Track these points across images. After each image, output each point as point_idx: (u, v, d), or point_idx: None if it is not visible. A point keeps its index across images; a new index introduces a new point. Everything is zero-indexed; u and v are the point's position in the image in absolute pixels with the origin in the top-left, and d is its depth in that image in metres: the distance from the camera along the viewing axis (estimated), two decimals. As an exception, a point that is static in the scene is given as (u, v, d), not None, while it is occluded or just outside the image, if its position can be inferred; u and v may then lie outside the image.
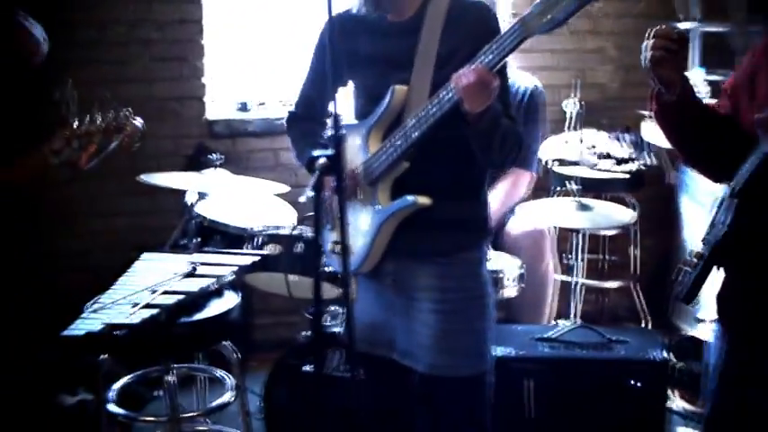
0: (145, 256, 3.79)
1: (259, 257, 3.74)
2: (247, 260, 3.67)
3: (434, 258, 2.88)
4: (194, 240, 4.41)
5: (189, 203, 4.46)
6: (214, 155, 4.53)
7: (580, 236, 4.43)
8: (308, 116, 3.15)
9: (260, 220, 4.33)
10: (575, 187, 4.28)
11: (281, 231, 4.13)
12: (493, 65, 2.52)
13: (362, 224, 2.93)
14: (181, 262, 3.62)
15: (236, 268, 3.58)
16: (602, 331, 3.95)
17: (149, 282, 3.41)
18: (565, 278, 4.85)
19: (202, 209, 4.46)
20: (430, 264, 2.89)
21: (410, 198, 2.79)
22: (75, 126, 2.82)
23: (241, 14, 5.52)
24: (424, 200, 2.79)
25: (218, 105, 5.52)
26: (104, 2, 5.20)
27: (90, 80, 5.15)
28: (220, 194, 4.55)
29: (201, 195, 4.47)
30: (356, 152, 2.93)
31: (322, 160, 2.42)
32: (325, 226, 3.06)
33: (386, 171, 2.83)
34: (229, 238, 4.62)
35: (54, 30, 4.95)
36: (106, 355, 3.51)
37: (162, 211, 5.16)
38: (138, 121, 2.87)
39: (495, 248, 4.27)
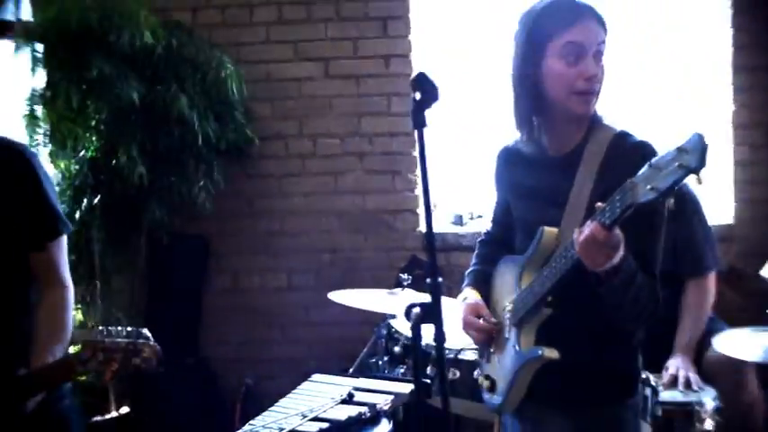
0: (315, 377, 3.79)
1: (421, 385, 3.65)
2: (406, 388, 3.60)
3: (569, 412, 2.70)
4: (382, 359, 4.39)
5: (383, 320, 4.47)
6: (403, 275, 4.50)
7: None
8: (500, 239, 3.07)
9: (452, 342, 4.24)
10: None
11: (461, 355, 4.03)
12: (609, 223, 2.34)
13: (506, 364, 2.81)
14: (344, 386, 3.59)
15: (392, 397, 3.51)
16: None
17: (307, 406, 3.40)
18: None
19: (398, 326, 4.44)
20: (564, 417, 2.71)
21: (539, 351, 2.65)
22: (99, 338, 2.82)
23: (456, 126, 5.50)
24: (551, 353, 2.62)
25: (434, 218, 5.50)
26: (316, 115, 5.36)
27: (298, 192, 5.36)
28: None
29: (391, 316, 4.46)
30: (509, 288, 2.82)
31: (416, 310, 2.34)
32: (483, 357, 2.98)
33: (528, 315, 2.71)
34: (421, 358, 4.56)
35: (269, 142, 5.28)
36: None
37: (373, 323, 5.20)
38: (155, 345, 2.84)
39: (700, 374, 4.00)
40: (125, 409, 4.93)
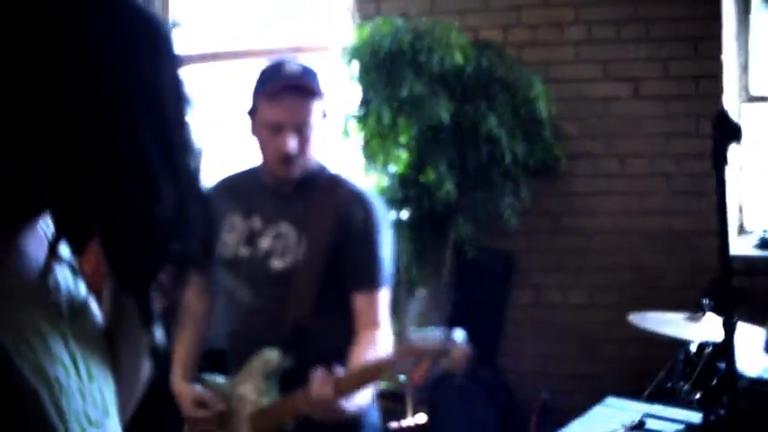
0: (608, 400, 3.80)
1: (715, 417, 3.58)
2: (696, 419, 3.54)
3: None
4: (679, 385, 4.32)
5: (682, 344, 4.40)
6: (704, 300, 4.40)
7: None
8: None
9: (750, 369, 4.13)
10: None
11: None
12: None
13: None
14: (637, 412, 3.58)
15: (681, 427, 3.47)
16: None
17: (597, 430, 3.43)
18: None
19: (696, 352, 4.36)
20: None
21: None
22: (411, 342, 2.83)
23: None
24: None
25: (739, 241, 5.37)
26: (624, 135, 5.37)
27: (603, 211, 5.37)
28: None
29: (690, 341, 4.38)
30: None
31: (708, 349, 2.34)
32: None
33: None
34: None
35: (576, 160, 5.31)
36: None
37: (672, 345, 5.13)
38: (464, 348, 2.78)
39: None
40: (422, 418, 5.10)
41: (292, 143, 2.96)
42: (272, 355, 3.01)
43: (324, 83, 3.05)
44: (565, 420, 3.91)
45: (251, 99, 3.07)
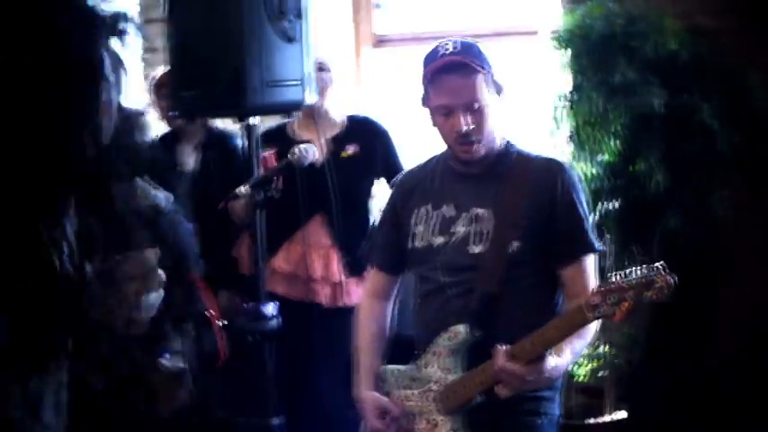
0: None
1: None
2: None
3: None
4: None
5: None
6: None
7: None
8: None
9: None
10: None
11: None
12: None
13: None
14: None
15: None
16: None
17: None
18: None
19: None
20: None
21: None
22: (611, 282, 2.78)
23: None
24: None
25: None
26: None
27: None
28: None
29: None
30: None
31: None
32: None
33: None
34: None
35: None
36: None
37: None
38: (668, 275, 2.73)
39: None
40: (622, 414, 4.95)
41: (465, 121, 2.98)
42: (459, 329, 3.01)
43: (487, 56, 3.05)
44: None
45: (422, 89, 3.12)
